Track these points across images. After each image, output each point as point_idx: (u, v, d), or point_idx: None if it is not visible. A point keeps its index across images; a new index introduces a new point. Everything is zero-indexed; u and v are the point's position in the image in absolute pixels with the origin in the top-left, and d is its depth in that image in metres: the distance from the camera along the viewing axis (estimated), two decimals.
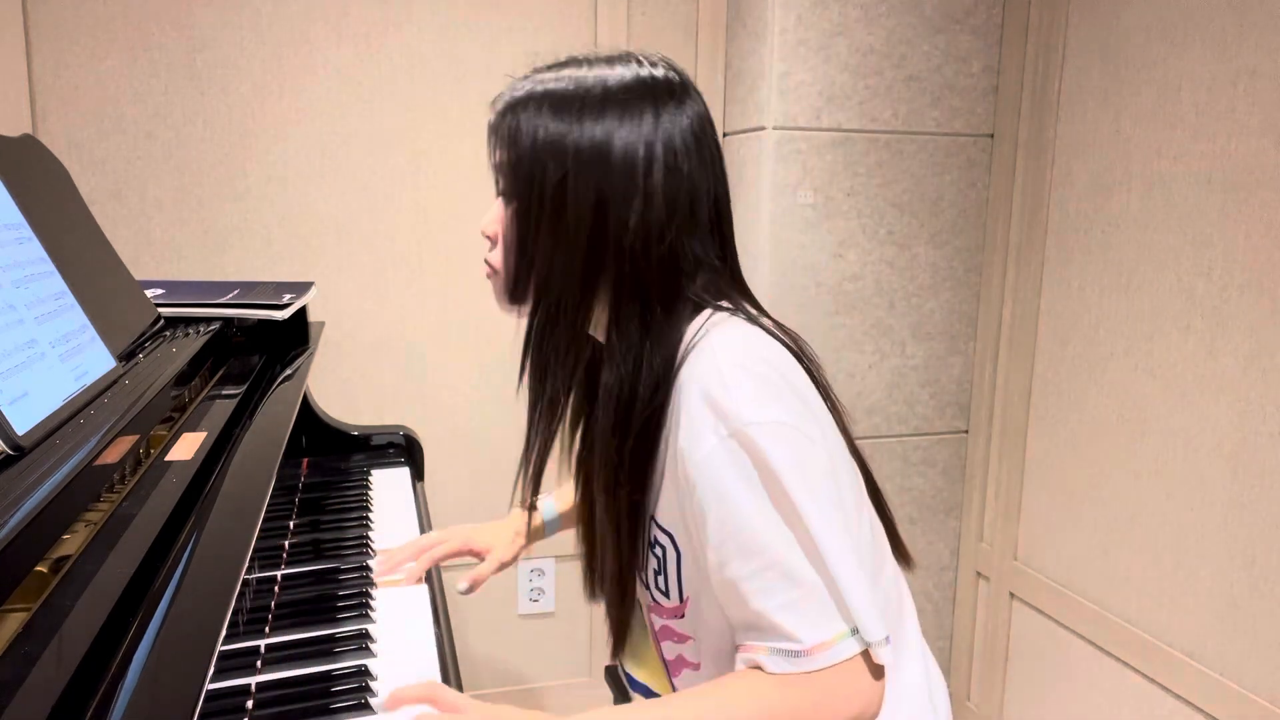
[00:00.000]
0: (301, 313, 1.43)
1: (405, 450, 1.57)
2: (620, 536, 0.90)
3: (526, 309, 0.94)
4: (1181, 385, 1.48)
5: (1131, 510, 1.58)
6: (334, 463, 1.53)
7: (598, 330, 0.93)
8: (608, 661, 2.02)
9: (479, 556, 1.22)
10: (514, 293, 0.92)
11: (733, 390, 0.79)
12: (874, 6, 1.76)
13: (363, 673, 0.92)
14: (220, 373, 1.23)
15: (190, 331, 1.24)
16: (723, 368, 0.80)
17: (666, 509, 0.86)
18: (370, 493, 1.40)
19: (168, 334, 1.21)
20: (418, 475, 1.53)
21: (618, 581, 0.92)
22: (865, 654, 0.77)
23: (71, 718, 0.54)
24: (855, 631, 0.76)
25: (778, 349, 0.85)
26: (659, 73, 0.88)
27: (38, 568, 0.66)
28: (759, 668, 0.79)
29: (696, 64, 1.92)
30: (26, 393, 0.78)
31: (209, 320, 1.30)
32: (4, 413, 0.74)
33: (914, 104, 1.81)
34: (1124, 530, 1.59)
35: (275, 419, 1.10)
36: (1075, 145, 1.68)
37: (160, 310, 1.24)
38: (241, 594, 0.90)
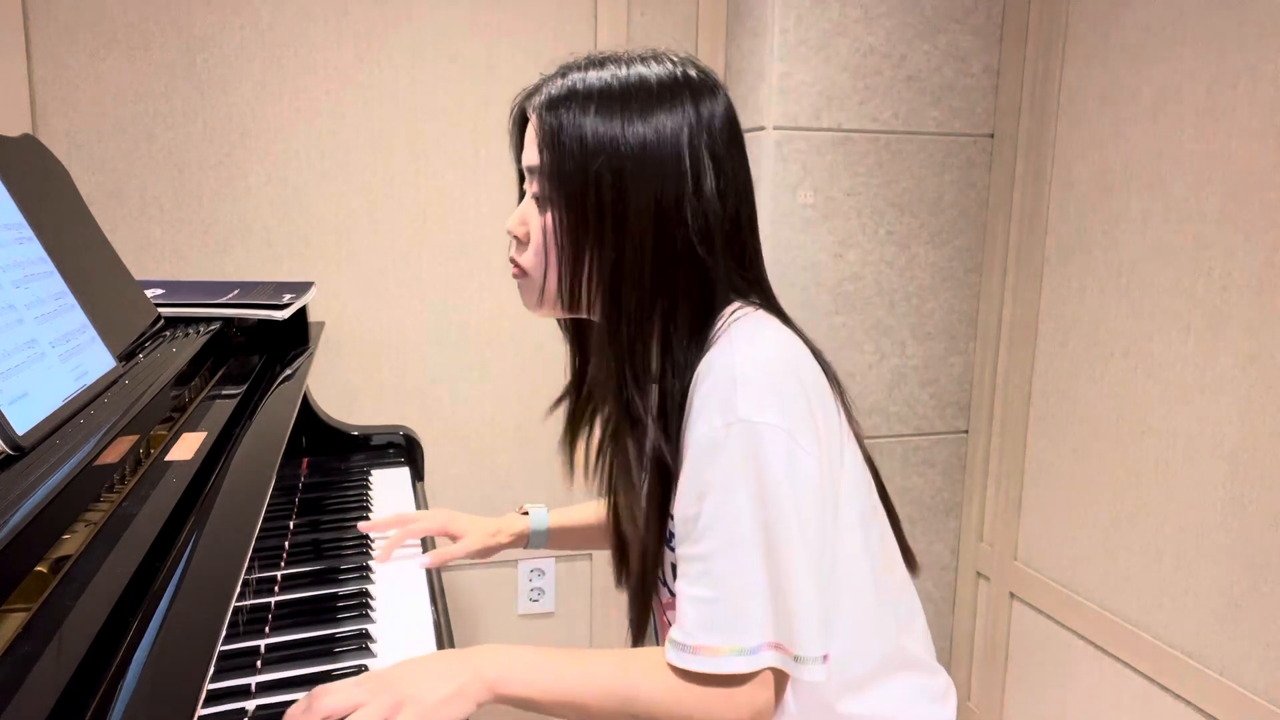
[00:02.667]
0: (301, 313, 1.43)
1: (405, 450, 1.57)
2: (648, 534, 0.89)
3: (566, 312, 0.91)
4: (1181, 385, 1.48)
5: (1131, 510, 1.58)
6: (334, 463, 1.53)
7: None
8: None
9: (454, 539, 1.23)
10: (566, 299, 0.89)
11: (742, 385, 0.79)
12: (874, 6, 1.76)
13: (363, 672, 0.92)
14: (220, 373, 1.23)
15: (190, 331, 1.24)
16: (739, 361, 0.81)
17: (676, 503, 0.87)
18: (370, 493, 1.40)
19: (168, 334, 1.21)
20: (418, 475, 1.54)
21: (643, 580, 0.91)
22: (775, 671, 0.79)
23: (71, 718, 0.54)
24: (750, 651, 0.77)
25: (799, 350, 0.86)
26: (691, 71, 0.88)
27: (38, 568, 0.66)
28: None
29: None
30: (26, 393, 0.78)
31: (209, 320, 1.30)
32: (4, 413, 0.73)
33: (914, 104, 1.81)
34: (1124, 530, 1.59)
35: (275, 419, 1.10)
36: (1075, 145, 1.68)
37: (160, 310, 1.24)
38: (241, 594, 0.90)
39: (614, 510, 1.02)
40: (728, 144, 0.88)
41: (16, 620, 0.60)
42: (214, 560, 0.74)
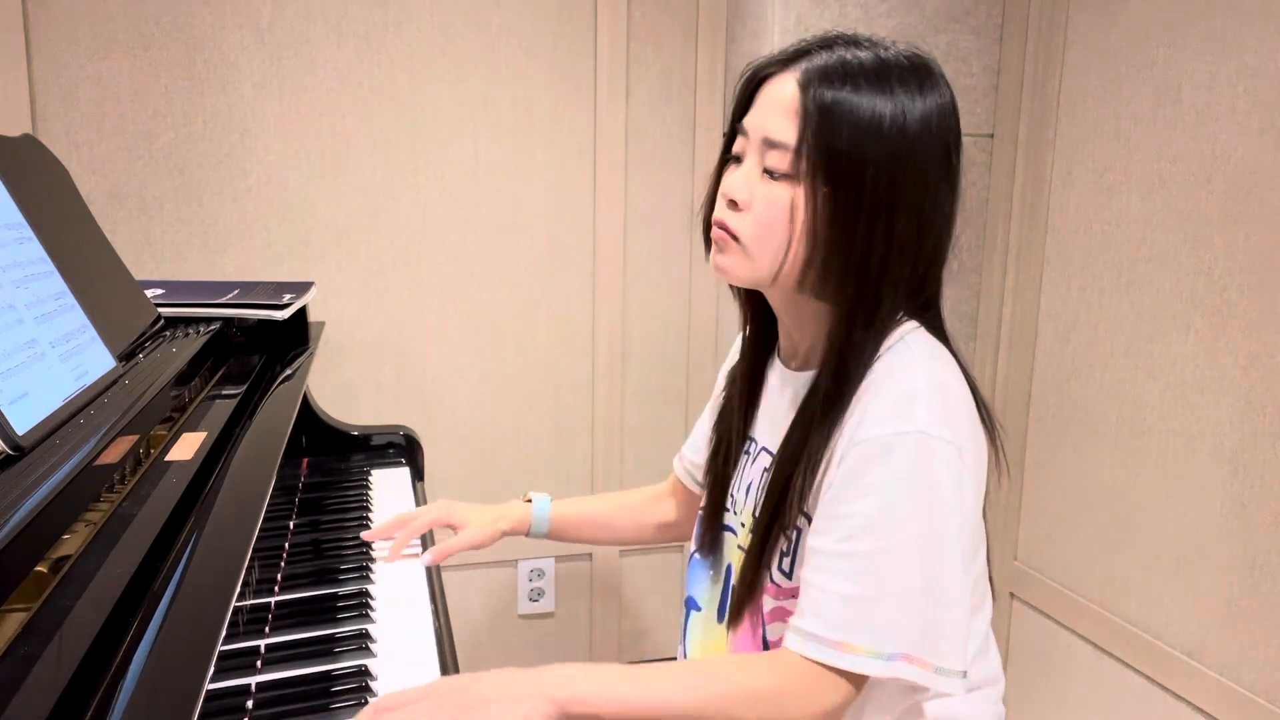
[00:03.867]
0: (301, 313, 1.43)
1: (405, 450, 1.57)
2: (780, 518, 0.89)
3: (774, 286, 0.89)
4: (1181, 385, 1.48)
5: (1131, 510, 1.58)
6: (334, 463, 1.53)
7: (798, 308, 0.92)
8: (608, 662, 2.02)
9: (455, 530, 1.22)
10: (798, 280, 0.86)
11: (924, 397, 0.80)
12: (874, 6, 1.76)
13: (363, 673, 0.92)
14: (220, 373, 1.23)
15: (190, 331, 1.24)
16: (920, 373, 0.82)
17: (814, 493, 0.86)
18: (370, 493, 1.40)
19: (168, 334, 1.21)
20: (418, 475, 1.53)
21: (763, 561, 0.91)
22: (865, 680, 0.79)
23: (71, 718, 0.54)
24: (889, 657, 0.77)
25: (961, 378, 0.87)
26: (928, 61, 0.87)
27: (38, 568, 0.66)
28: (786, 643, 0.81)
29: (696, 64, 1.92)
30: (26, 393, 0.78)
31: (209, 320, 1.30)
32: (4, 413, 0.74)
33: None
34: (1124, 530, 1.59)
35: (275, 419, 1.10)
36: (1075, 145, 1.68)
37: (160, 310, 1.24)
38: (241, 594, 0.90)
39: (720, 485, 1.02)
40: (960, 141, 0.87)
41: (16, 620, 0.60)
42: (214, 560, 0.74)
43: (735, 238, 0.87)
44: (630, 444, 2.01)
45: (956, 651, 0.79)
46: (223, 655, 0.91)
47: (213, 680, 0.71)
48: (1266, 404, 1.34)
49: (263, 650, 0.96)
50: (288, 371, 1.29)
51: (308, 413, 1.52)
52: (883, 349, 0.85)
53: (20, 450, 0.73)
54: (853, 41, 0.86)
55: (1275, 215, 1.32)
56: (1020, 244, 1.81)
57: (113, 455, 0.80)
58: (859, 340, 0.85)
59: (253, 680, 0.90)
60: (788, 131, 0.83)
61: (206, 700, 0.60)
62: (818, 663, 0.79)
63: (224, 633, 0.65)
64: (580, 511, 1.27)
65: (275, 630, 1.00)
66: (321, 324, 1.62)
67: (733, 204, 0.87)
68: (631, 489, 1.35)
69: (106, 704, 0.56)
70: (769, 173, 0.85)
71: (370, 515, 1.31)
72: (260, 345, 1.37)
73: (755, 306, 1.01)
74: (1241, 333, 1.37)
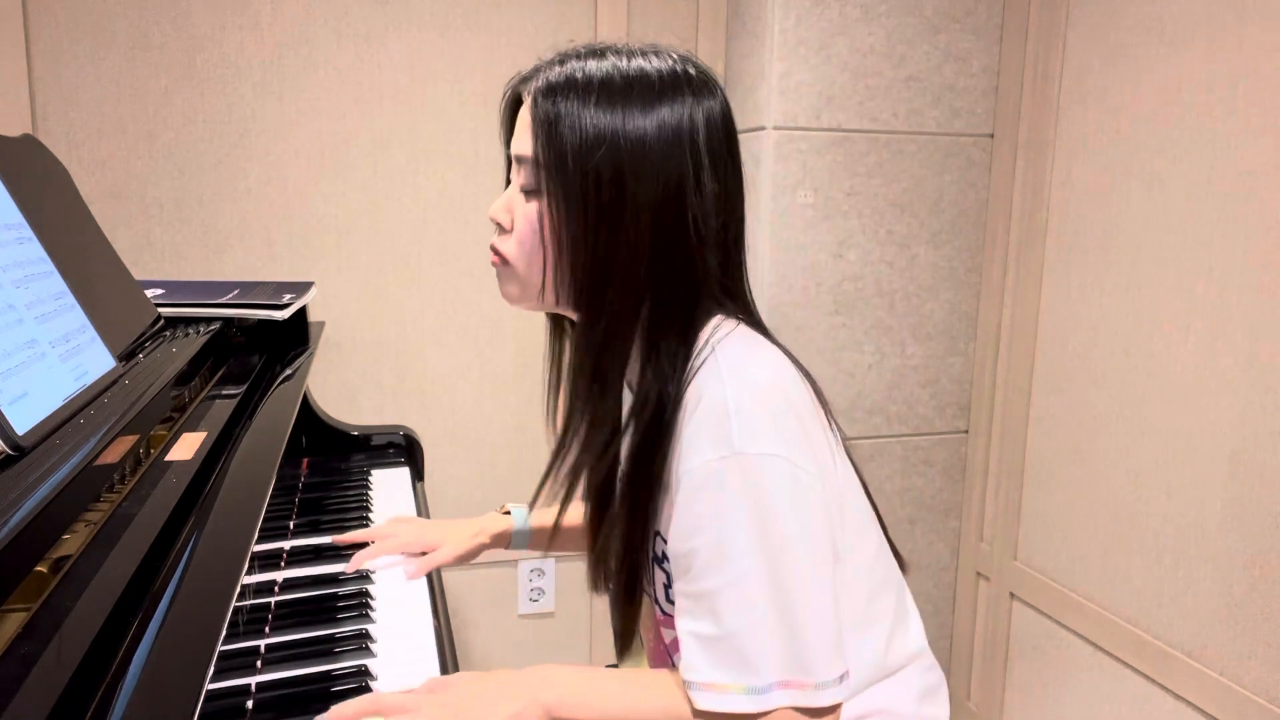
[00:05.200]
0: (301, 313, 1.43)
1: (405, 450, 1.57)
2: (630, 549, 0.87)
3: (544, 306, 0.89)
4: (1181, 385, 1.48)
5: (1131, 510, 1.58)
6: (334, 463, 1.53)
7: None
8: (608, 662, 2.02)
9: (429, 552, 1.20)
10: (548, 293, 0.86)
11: (735, 416, 0.77)
12: (874, 6, 1.76)
13: (363, 673, 0.92)
14: (220, 373, 1.23)
15: (190, 331, 1.24)
16: (730, 390, 0.79)
17: (668, 522, 0.86)
18: (370, 493, 1.40)
19: (168, 334, 1.21)
20: (418, 475, 1.53)
21: (628, 592, 0.89)
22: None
23: (71, 718, 0.54)
24: (760, 691, 0.76)
25: (785, 369, 0.84)
26: (691, 68, 0.86)
27: (38, 568, 0.66)
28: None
29: None
30: (26, 393, 0.78)
31: (209, 320, 1.30)
32: (4, 413, 0.74)
33: (914, 104, 1.81)
34: (1124, 530, 1.59)
35: (275, 419, 1.10)
36: (1075, 145, 1.68)
37: (160, 310, 1.24)
38: (241, 594, 0.90)
39: (593, 516, 1.00)
40: (725, 145, 0.86)
41: (16, 620, 0.60)
42: (214, 560, 0.74)
43: (506, 261, 0.88)
44: None
45: (829, 659, 0.77)
46: (223, 655, 0.91)
47: (213, 680, 0.71)
48: (1266, 404, 1.34)
49: (263, 650, 0.96)
50: (288, 371, 1.29)
51: (308, 413, 1.52)
52: (694, 364, 0.82)
53: (20, 450, 0.73)
54: (592, 53, 0.85)
55: (1275, 215, 1.32)
56: (1020, 244, 1.81)
57: (113, 455, 0.80)
58: (606, 347, 0.83)
59: (253, 680, 0.90)
60: (528, 146, 0.84)
61: (206, 700, 0.60)
62: (702, 711, 0.78)
63: (224, 633, 0.65)
64: (560, 519, 1.26)
65: (275, 630, 1.00)
66: (321, 324, 1.62)
67: (499, 227, 0.88)
68: None
69: (106, 704, 0.56)
70: (524, 191, 0.86)
71: (370, 515, 1.31)
72: (260, 345, 1.37)
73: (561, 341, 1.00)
74: (1241, 333, 1.37)
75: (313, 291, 1.47)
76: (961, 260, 1.90)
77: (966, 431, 1.97)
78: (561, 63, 0.85)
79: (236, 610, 0.98)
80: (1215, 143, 1.41)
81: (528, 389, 1.95)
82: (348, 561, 1.15)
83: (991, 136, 1.87)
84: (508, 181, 0.93)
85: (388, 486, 1.44)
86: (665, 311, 0.84)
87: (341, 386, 1.85)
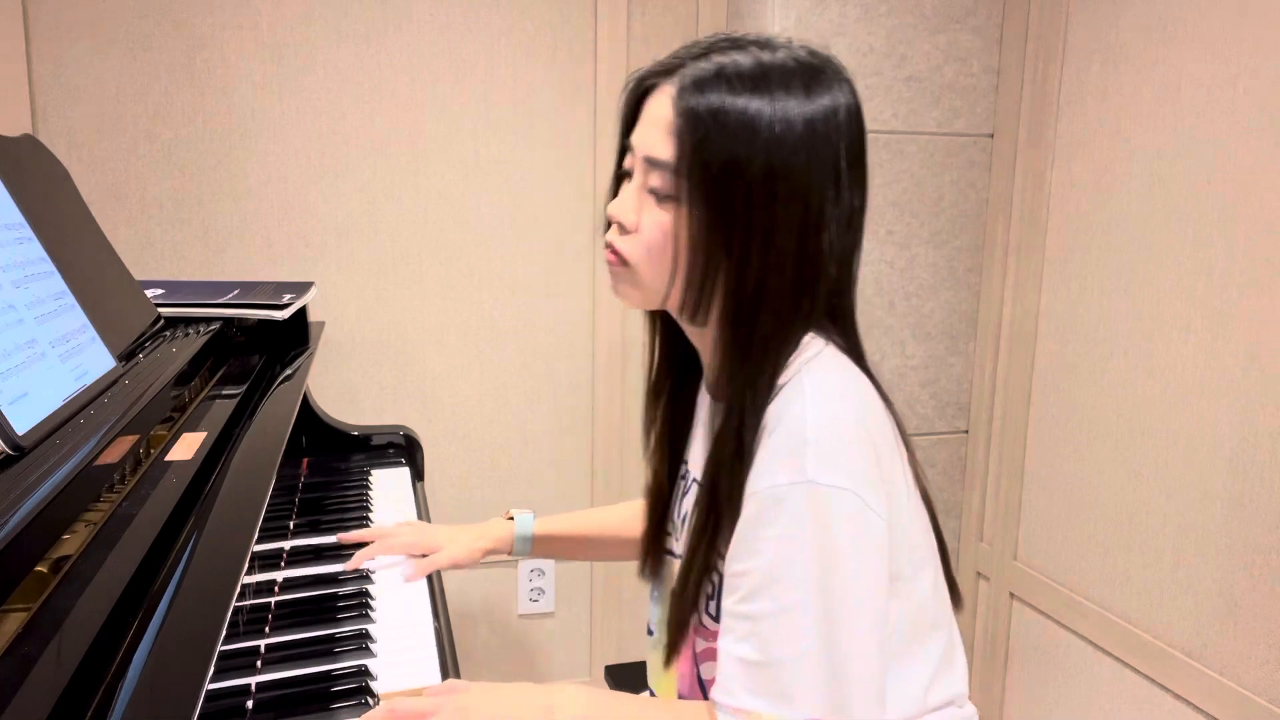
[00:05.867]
0: (301, 313, 1.43)
1: (405, 450, 1.57)
2: (696, 560, 0.85)
3: (668, 308, 0.86)
4: (1181, 385, 1.48)
5: (1131, 510, 1.58)
6: (334, 463, 1.53)
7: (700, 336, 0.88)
8: (608, 662, 2.02)
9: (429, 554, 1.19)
10: (683, 304, 0.83)
11: (813, 444, 0.75)
12: (874, 6, 1.76)
13: (363, 673, 0.92)
14: (220, 373, 1.23)
15: (190, 331, 1.24)
16: (810, 417, 0.76)
17: (726, 535, 0.83)
18: (370, 493, 1.40)
19: (168, 334, 1.21)
20: (418, 475, 1.53)
21: (689, 601, 0.87)
22: None
23: (71, 718, 0.54)
24: None
25: (868, 400, 0.81)
26: (829, 60, 0.82)
27: (38, 568, 0.66)
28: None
29: None
30: (26, 393, 0.78)
31: (209, 320, 1.30)
32: (4, 413, 0.74)
33: (914, 104, 1.81)
34: (1124, 530, 1.59)
35: (275, 419, 1.10)
36: (1075, 145, 1.68)
37: (160, 310, 1.24)
38: (241, 594, 0.90)
39: (652, 508, 0.99)
40: (859, 146, 0.82)
41: (16, 620, 0.60)
42: (214, 560, 0.74)
43: (625, 262, 0.84)
44: (630, 444, 2.01)
45: (870, 704, 0.75)
46: (223, 655, 0.91)
47: (213, 680, 0.71)
48: (1266, 404, 1.34)
49: (263, 650, 0.96)
50: (288, 371, 1.29)
51: (308, 413, 1.52)
52: (780, 383, 0.80)
53: (20, 450, 0.73)
54: (734, 45, 0.81)
55: (1275, 215, 1.32)
56: (1020, 244, 1.81)
57: (113, 455, 0.80)
58: (747, 371, 0.80)
59: (253, 680, 0.90)
60: (666, 150, 0.79)
61: (206, 700, 0.60)
62: None
63: (224, 633, 0.65)
64: (563, 529, 1.24)
65: (275, 630, 1.00)
66: (321, 324, 1.62)
67: (620, 227, 0.84)
68: (620, 503, 1.33)
69: (106, 704, 0.56)
70: (654, 193, 0.82)
71: (370, 515, 1.31)
72: (260, 345, 1.37)
73: (667, 329, 0.97)
74: (1241, 333, 1.37)
75: (313, 291, 1.47)
76: (961, 260, 1.90)
77: (966, 431, 1.97)
78: (705, 55, 0.80)
79: (236, 610, 0.98)
80: (1215, 143, 1.41)
81: (528, 389, 1.95)
82: (348, 561, 1.15)
83: (991, 136, 1.87)
84: (618, 174, 0.88)
85: (388, 486, 1.44)
86: (779, 325, 0.80)
87: (341, 386, 1.85)
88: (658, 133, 0.80)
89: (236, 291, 1.42)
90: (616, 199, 0.86)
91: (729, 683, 0.76)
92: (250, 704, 0.86)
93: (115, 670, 0.59)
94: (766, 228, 0.78)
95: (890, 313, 1.87)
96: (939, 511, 1.98)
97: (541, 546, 1.24)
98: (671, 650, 0.91)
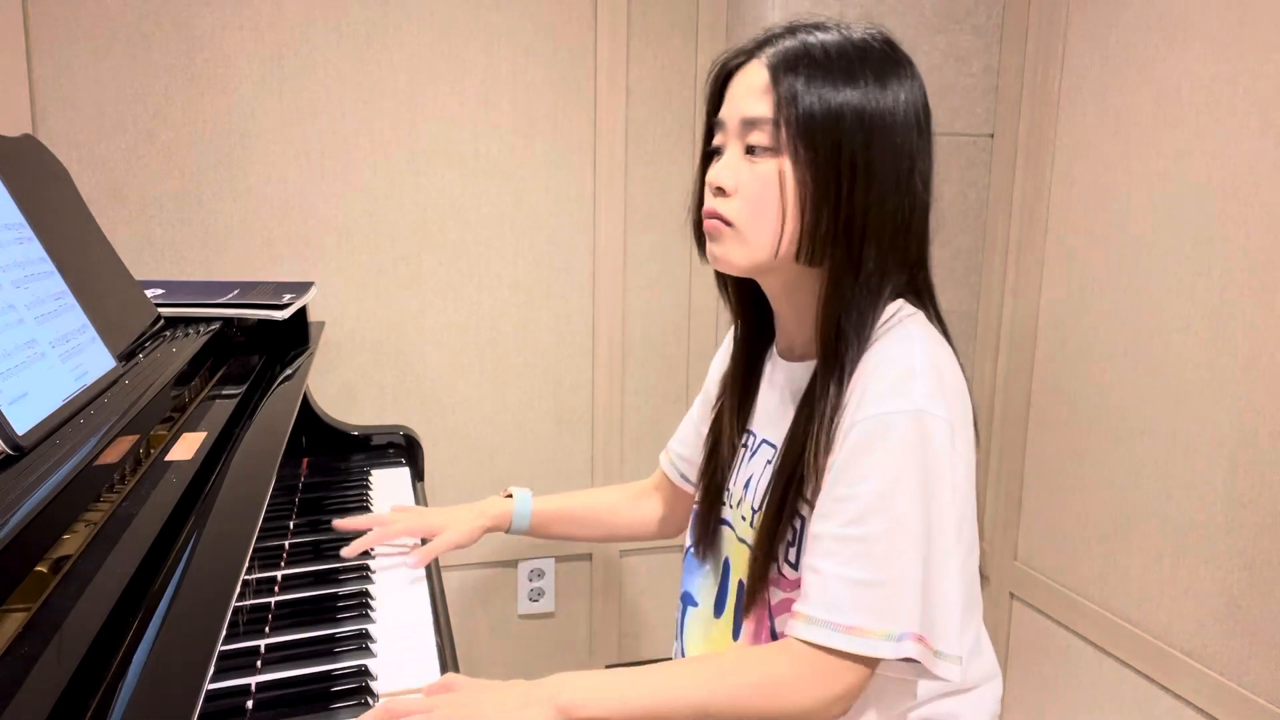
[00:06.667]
0: (301, 313, 1.43)
1: (405, 450, 1.57)
2: (786, 505, 0.89)
3: (769, 265, 0.90)
4: (1181, 385, 1.48)
5: (1131, 510, 1.58)
6: (334, 463, 1.53)
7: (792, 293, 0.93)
8: (608, 662, 2.02)
9: (432, 537, 1.21)
10: (791, 250, 0.87)
11: (920, 376, 0.81)
12: (874, 6, 1.76)
13: (363, 673, 0.92)
14: (220, 373, 1.23)
15: (190, 331, 1.24)
16: (917, 354, 0.82)
17: (818, 478, 0.87)
18: (370, 493, 1.40)
19: (168, 334, 1.21)
20: (418, 475, 1.54)
21: (769, 546, 0.90)
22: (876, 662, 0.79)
23: (71, 718, 0.54)
24: (899, 638, 0.77)
25: (957, 365, 0.87)
26: (901, 48, 0.90)
27: (38, 568, 0.66)
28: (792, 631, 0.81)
29: (696, 64, 1.92)
30: (26, 393, 0.78)
31: (209, 320, 1.30)
32: (4, 413, 0.74)
33: None
34: (1124, 530, 1.59)
35: (275, 419, 1.10)
36: (1075, 145, 1.68)
37: (160, 310, 1.24)
38: (241, 594, 0.90)
39: (709, 464, 1.02)
40: (928, 113, 0.90)
41: (16, 620, 0.60)
42: (214, 560, 0.74)
43: (729, 223, 0.89)
44: (630, 444, 2.01)
45: (954, 636, 0.79)
46: (223, 655, 0.91)
47: (213, 680, 0.71)
48: (1266, 404, 1.34)
49: (263, 650, 0.96)
50: (288, 371, 1.29)
51: (308, 413, 1.52)
52: (880, 330, 0.86)
53: (20, 450, 0.73)
54: (816, 26, 0.89)
55: (1275, 215, 1.32)
56: (1020, 244, 1.81)
57: (113, 455, 0.80)
58: (853, 303, 0.86)
59: (253, 680, 0.90)
60: (764, 108, 0.86)
61: (206, 700, 0.60)
62: (827, 649, 0.79)
63: (224, 633, 0.65)
64: (562, 507, 1.26)
65: (275, 630, 1.00)
66: (321, 324, 1.62)
67: (720, 191, 0.89)
68: (616, 484, 1.34)
69: (106, 704, 0.56)
70: (750, 151, 0.88)
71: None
72: (260, 345, 1.37)
73: (746, 302, 1.02)
74: (1241, 333, 1.37)
75: (313, 291, 1.47)
76: (961, 260, 1.90)
77: None
78: (791, 34, 0.88)
79: (236, 610, 0.98)
80: (1215, 143, 1.41)
81: (528, 389, 1.95)
82: (348, 561, 1.15)
83: (991, 136, 1.86)
84: (706, 152, 0.94)
85: (388, 486, 1.45)
86: (884, 264, 0.87)
87: (341, 386, 1.85)
88: (752, 96, 0.87)
89: (236, 291, 1.42)
90: (716, 167, 0.91)
91: (831, 602, 0.79)
92: (250, 704, 0.86)
93: (115, 670, 0.59)
94: (866, 164, 0.85)
95: None
96: None
97: (540, 525, 1.26)
98: (750, 604, 0.94)
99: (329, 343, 1.82)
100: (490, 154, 1.85)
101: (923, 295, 0.92)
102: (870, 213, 0.85)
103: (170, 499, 0.79)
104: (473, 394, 1.92)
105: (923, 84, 0.90)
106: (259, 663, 0.94)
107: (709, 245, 0.93)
